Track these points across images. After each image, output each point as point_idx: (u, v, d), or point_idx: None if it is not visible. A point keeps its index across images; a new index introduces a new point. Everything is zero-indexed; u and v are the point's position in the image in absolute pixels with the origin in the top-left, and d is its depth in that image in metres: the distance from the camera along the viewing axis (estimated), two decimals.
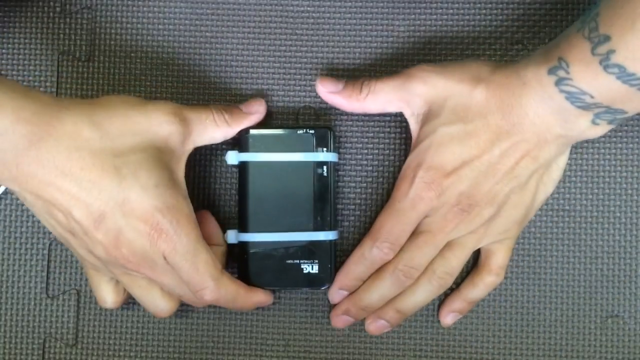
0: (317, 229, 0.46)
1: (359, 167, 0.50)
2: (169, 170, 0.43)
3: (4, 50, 0.50)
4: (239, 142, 0.46)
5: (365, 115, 0.49)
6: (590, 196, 0.50)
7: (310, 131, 0.46)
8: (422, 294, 0.46)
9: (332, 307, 0.48)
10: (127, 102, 0.43)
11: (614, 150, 0.49)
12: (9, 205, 0.50)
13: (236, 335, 0.49)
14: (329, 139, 0.46)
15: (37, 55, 0.50)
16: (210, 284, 0.43)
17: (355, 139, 0.50)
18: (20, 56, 0.50)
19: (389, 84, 0.46)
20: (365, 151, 0.50)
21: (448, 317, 0.49)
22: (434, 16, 0.50)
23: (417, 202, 0.44)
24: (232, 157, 0.47)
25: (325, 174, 0.46)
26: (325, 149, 0.46)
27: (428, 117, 0.45)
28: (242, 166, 0.46)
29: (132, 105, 0.43)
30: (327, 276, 0.46)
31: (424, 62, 0.50)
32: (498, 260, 0.47)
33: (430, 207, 0.44)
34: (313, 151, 0.46)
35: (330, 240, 0.46)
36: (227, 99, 0.50)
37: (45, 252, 0.50)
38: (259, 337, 0.49)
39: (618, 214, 0.50)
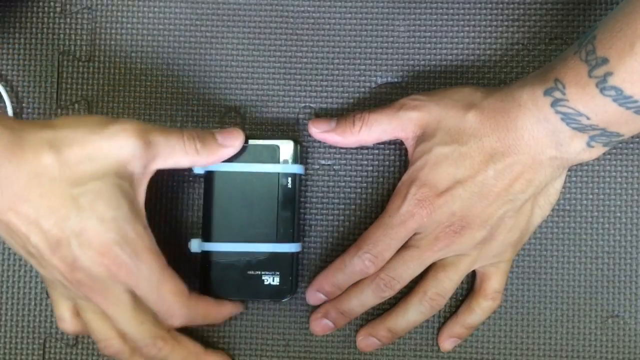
0: (280, 240, 0.46)
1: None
2: (128, 199, 0.41)
3: (4, 50, 0.50)
4: None
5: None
6: (590, 196, 0.50)
7: (276, 142, 0.46)
8: (413, 314, 0.46)
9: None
10: (88, 124, 0.41)
11: (614, 150, 0.49)
12: None
13: (236, 336, 0.49)
14: (296, 151, 0.46)
15: (37, 55, 0.50)
16: (178, 312, 0.43)
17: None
18: (20, 56, 0.50)
19: (382, 114, 0.46)
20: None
21: (447, 342, 0.49)
22: (434, 16, 0.50)
23: (407, 218, 0.44)
24: (199, 167, 0.46)
25: (289, 185, 0.46)
26: (290, 161, 0.46)
27: (423, 138, 0.45)
28: (208, 175, 0.46)
29: (93, 127, 0.41)
30: (288, 288, 0.46)
31: (423, 62, 0.50)
32: (493, 284, 0.47)
33: (420, 225, 0.44)
34: (278, 162, 0.46)
35: (293, 253, 0.46)
36: (227, 99, 0.50)
37: None
38: (259, 337, 0.49)
39: (618, 214, 0.50)
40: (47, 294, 0.50)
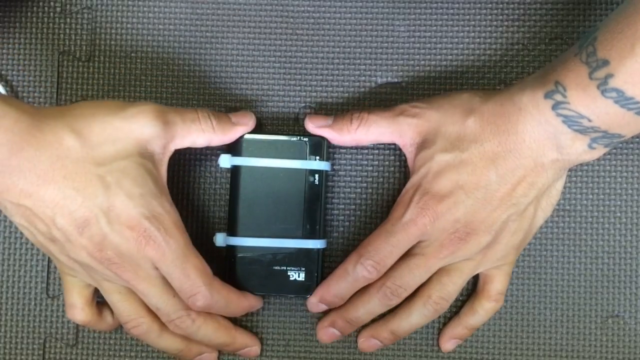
0: (306, 236, 0.46)
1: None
2: (152, 177, 0.42)
3: (4, 50, 0.50)
4: (233, 146, 0.46)
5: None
6: (590, 196, 0.50)
7: (304, 139, 0.46)
8: (417, 318, 0.46)
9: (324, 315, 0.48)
10: (106, 107, 0.43)
11: (614, 150, 0.49)
12: None
13: None
14: (323, 147, 0.46)
15: (37, 55, 0.50)
16: (202, 289, 0.43)
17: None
18: (20, 56, 0.50)
19: (381, 116, 0.46)
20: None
21: (449, 344, 0.49)
22: (434, 16, 0.50)
23: (410, 226, 0.44)
24: (225, 161, 0.46)
25: (317, 182, 0.46)
26: (318, 158, 0.46)
27: (424, 146, 0.45)
28: (235, 170, 0.46)
29: (112, 110, 0.42)
30: (313, 284, 0.46)
31: (423, 62, 0.50)
32: (497, 286, 0.47)
33: (424, 232, 0.44)
34: (306, 159, 0.46)
35: (319, 249, 0.46)
36: (227, 99, 0.50)
37: None
38: (259, 337, 0.49)
39: (618, 214, 0.49)
40: (47, 293, 0.50)
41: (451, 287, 0.45)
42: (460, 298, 0.49)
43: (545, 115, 0.41)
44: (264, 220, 0.46)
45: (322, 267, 0.47)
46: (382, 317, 0.48)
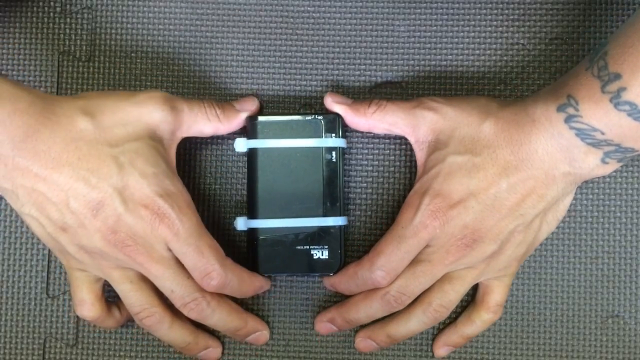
0: (326, 214, 0.46)
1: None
2: (164, 158, 0.43)
3: (4, 50, 0.50)
4: (248, 129, 0.47)
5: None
6: (590, 196, 0.50)
7: (319, 117, 0.46)
8: (415, 324, 0.46)
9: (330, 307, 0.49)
10: (117, 94, 0.44)
11: None
12: (10, 205, 0.50)
13: None
14: (338, 124, 0.46)
15: (37, 55, 0.50)
16: (217, 267, 0.43)
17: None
18: (20, 56, 0.50)
19: (398, 105, 0.46)
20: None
21: (442, 350, 0.49)
22: (434, 16, 0.50)
23: (420, 229, 0.43)
24: (241, 145, 0.47)
25: (334, 159, 0.46)
26: (334, 135, 0.46)
27: (436, 146, 0.45)
28: (251, 153, 0.47)
29: (122, 96, 0.44)
30: (336, 262, 0.46)
31: (423, 62, 0.50)
32: (496, 297, 0.47)
33: (433, 236, 0.43)
34: (322, 137, 0.46)
35: (340, 226, 0.47)
36: (227, 99, 0.50)
37: (46, 252, 0.50)
38: None
39: (618, 214, 0.50)
40: (47, 293, 0.50)
41: (452, 295, 0.45)
42: (459, 304, 0.49)
43: (558, 128, 0.41)
44: (284, 200, 0.46)
45: (344, 243, 0.47)
46: (381, 318, 0.48)
